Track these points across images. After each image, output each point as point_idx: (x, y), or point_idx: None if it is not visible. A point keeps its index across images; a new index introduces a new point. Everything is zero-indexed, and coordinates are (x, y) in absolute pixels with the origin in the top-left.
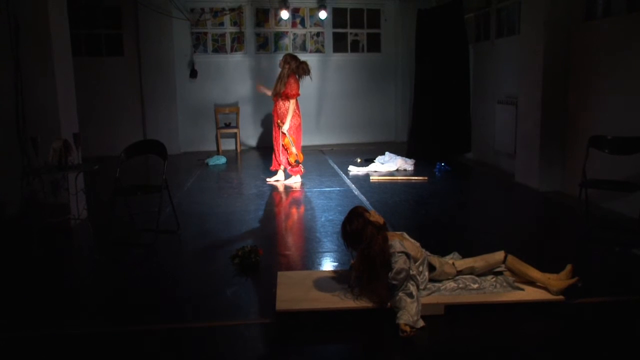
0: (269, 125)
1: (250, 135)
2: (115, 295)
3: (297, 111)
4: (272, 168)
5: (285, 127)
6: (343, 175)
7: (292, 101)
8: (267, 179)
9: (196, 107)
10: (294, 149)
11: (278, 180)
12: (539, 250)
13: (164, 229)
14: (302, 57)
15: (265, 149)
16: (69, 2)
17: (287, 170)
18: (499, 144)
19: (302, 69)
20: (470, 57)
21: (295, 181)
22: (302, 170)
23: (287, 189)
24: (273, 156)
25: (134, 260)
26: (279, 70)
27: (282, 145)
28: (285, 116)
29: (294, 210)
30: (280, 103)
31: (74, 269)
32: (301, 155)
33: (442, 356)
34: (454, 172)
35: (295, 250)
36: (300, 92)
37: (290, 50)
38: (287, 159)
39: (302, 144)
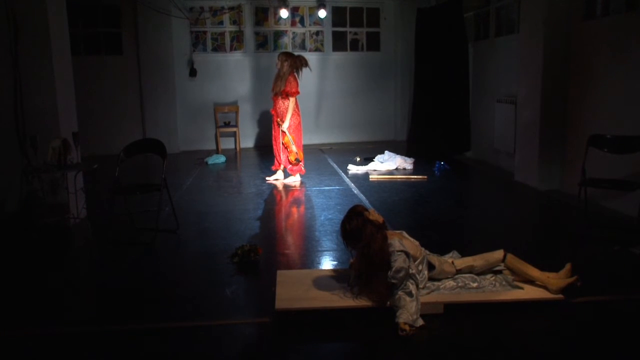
0: (268, 124)
1: (249, 134)
2: (114, 294)
3: (296, 110)
4: (274, 167)
5: (285, 126)
6: (342, 174)
7: (292, 99)
8: (267, 178)
9: (195, 106)
10: (294, 147)
11: (277, 179)
12: (538, 249)
13: (164, 228)
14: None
15: (265, 147)
16: (68, 1)
17: (287, 170)
18: (498, 142)
19: (299, 62)
20: (469, 56)
21: (295, 180)
22: (303, 169)
23: (287, 188)
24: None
25: (133, 259)
26: (279, 69)
27: (282, 143)
28: (285, 115)
29: (293, 209)
30: (280, 102)
31: (73, 268)
32: (301, 154)
33: (441, 355)
34: (453, 171)
35: (294, 249)
36: (299, 90)
37: (289, 49)
38: (287, 157)
39: (302, 142)
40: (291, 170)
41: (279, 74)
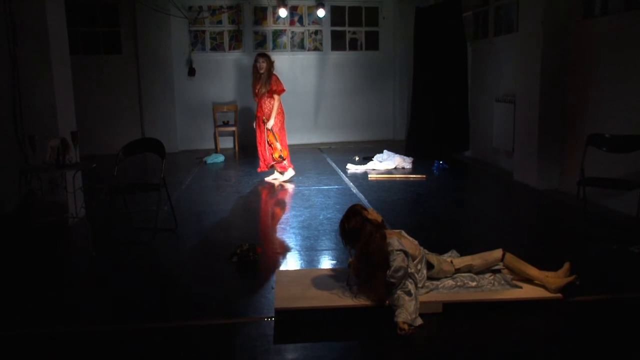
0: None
1: (248, 133)
2: (113, 293)
3: (280, 108)
4: (260, 170)
5: (270, 124)
6: (341, 173)
7: (277, 98)
8: (266, 178)
9: (194, 105)
10: (278, 145)
11: (276, 178)
12: (537, 248)
13: (162, 227)
14: (301, 55)
15: None
16: (67, 0)
17: (278, 167)
18: (497, 142)
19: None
20: (468, 55)
21: (289, 175)
22: (289, 165)
23: (285, 187)
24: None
25: (132, 258)
26: (263, 70)
27: (268, 141)
28: (271, 114)
29: (292, 209)
30: (266, 102)
31: (71, 268)
32: (285, 152)
33: (440, 354)
34: (452, 170)
35: (293, 248)
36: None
37: (288, 49)
38: (272, 155)
39: (291, 141)
40: (280, 167)
41: (260, 75)
